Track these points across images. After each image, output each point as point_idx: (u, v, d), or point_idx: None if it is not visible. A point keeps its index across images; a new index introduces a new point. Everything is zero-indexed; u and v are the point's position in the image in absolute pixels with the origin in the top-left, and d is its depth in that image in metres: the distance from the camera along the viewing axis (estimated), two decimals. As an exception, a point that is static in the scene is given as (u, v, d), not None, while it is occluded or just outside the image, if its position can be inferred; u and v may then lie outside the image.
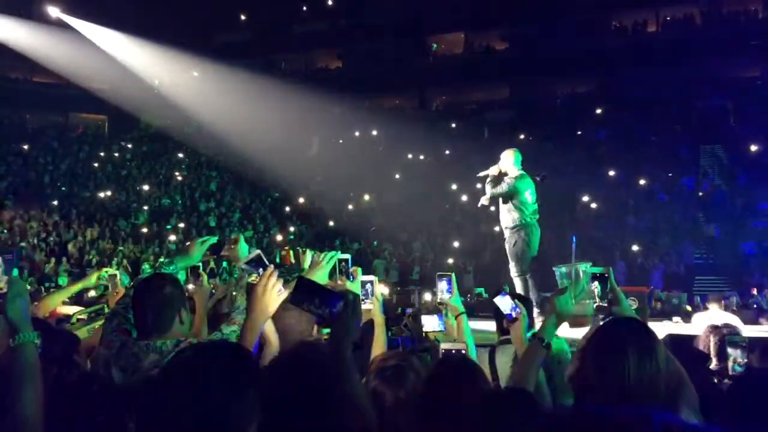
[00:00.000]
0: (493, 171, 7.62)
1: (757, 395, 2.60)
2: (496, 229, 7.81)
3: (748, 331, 5.47)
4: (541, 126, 25.77)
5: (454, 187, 21.98)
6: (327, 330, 2.78)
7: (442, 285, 3.72)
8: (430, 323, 4.17)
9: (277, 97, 26.95)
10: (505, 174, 7.56)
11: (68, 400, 2.47)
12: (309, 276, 3.05)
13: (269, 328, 2.59)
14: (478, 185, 7.83)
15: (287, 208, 24.49)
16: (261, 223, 23.79)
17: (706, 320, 5.71)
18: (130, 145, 31.51)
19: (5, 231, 22.70)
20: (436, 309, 4.14)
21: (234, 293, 2.84)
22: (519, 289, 7.25)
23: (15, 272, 2.29)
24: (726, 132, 23.72)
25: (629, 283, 14.13)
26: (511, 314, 3.29)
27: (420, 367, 2.60)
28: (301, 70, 33.60)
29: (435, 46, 33.21)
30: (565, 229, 16.15)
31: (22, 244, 21.67)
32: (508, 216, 7.55)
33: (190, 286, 3.81)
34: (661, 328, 6.52)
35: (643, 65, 26.17)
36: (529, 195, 7.50)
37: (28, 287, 15.73)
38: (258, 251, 2.65)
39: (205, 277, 3.81)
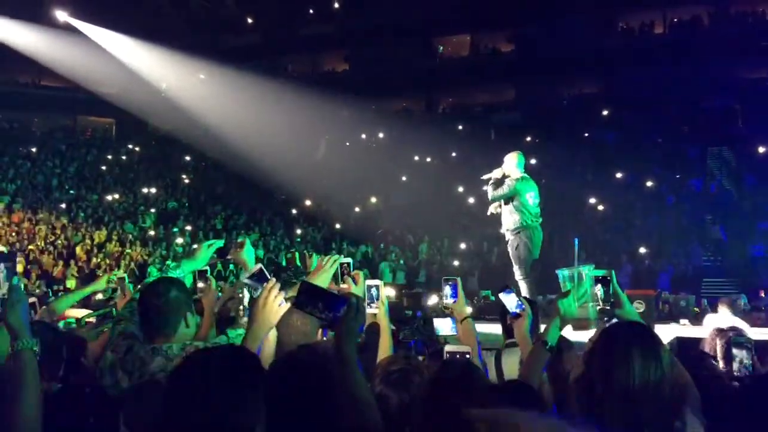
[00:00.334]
0: (496, 174, 7.69)
1: (764, 398, 2.61)
2: (503, 231, 7.88)
3: (762, 334, 5.46)
4: (548, 128, 25.72)
5: (460, 189, 21.97)
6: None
7: (447, 289, 3.72)
8: (443, 327, 4.17)
9: (283, 100, 27.00)
10: (508, 177, 7.63)
11: (64, 404, 2.49)
12: (312, 279, 3.06)
13: (267, 339, 2.60)
14: (485, 187, 7.91)
15: (294, 211, 24.53)
16: (267, 226, 23.82)
17: (717, 323, 5.69)
18: (137, 148, 31.63)
19: (14, 234, 22.81)
20: (443, 312, 4.15)
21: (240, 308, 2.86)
22: (525, 292, 7.26)
23: (15, 279, 2.31)
24: (734, 133, 23.64)
25: (636, 286, 14.09)
26: (515, 311, 3.31)
27: (425, 370, 2.61)
28: (307, 72, 33.63)
29: (441, 48, 33.19)
30: (572, 232, 16.10)
31: (31, 246, 21.77)
32: (509, 218, 7.61)
33: (200, 285, 3.83)
34: (668, 331, 6.51)
35: (650, 66, 26.08)
36: (530, 197, 7.55)
37: (37, 290, 15.85)
38: (260, 265, 2.66)
39: (213, 280, 3.83)
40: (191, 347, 2.69)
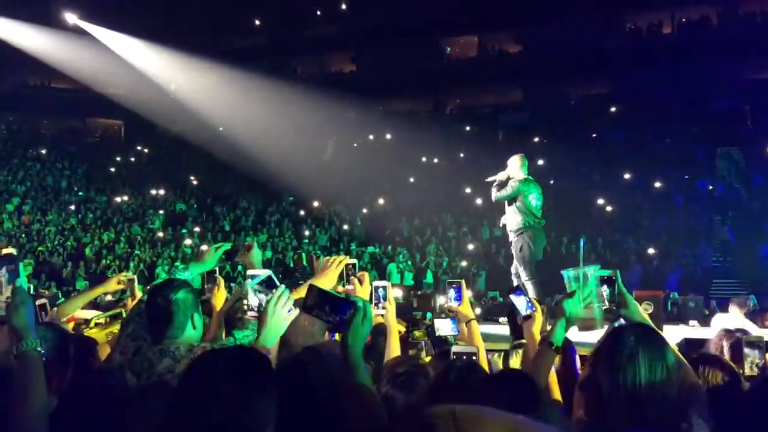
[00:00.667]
0: (501, 176, 7.84)
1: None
2: (507, 231, 8.00)
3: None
4: (555, 128, 25.67)
5: (468, 190, 21.96)
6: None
7: (452, 292, 3.73)
8: (444, 327, 4.19)
9: (291, 101, 27.05)
10: (512, 179, 7.80)
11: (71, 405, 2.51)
12: (318, 280, 3.08)
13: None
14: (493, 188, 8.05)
15: (301, 212, 24.56)
16: (275, 227, 23.87)
17: (725, 324, 5.67)
18: (146, 150, 31.76)
19: (24, 235, 22.95)
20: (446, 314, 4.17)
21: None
22: (531, 293, 7.28)
23: (18, 282, 2.33)
24: (742, 134, 23.56)
25: (645, 287, 14.03)
26: (525, 312, 3.31)
27: (431, 371, 2.62)
28: (315, 74, 33.67)
29: (448, 49, 33.18)
30: (580, 233, 16.07)
31: (40, 248, 21.90)
32: (512, 219, 7.75)
33: (209, 286, 3.85)
34: (677, 332, 6.49)
35: (657, 66, 25.99)
36: (533, 199, 7.68)
37: (46, 291, 15.92)
38: (269, 272, 2.67)
39: (222, 282, 3.85)
40: (199, 348, 2.70)
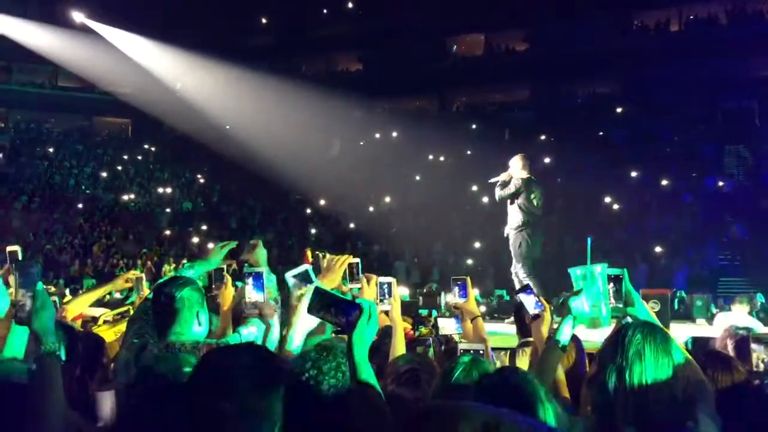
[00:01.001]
0: (503, 177, 7.99)
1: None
2: (506, 229, 8.15)
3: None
4: (562, 127, 25.60)
5: (474, 188, 21.92)
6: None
7: (457, 289, 3.74)
8: (447, 326, 4.19)
9: (297, 100, 27.06)
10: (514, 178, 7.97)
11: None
12: (322, 279, 3.09)
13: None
14: (495, 190, 8.18)
15: (308, 210, 24.58)
16: (282, 226, 23.90)
17: (729, 322, 5.65)
18: (153, 149, 31.84)
19: (32, 234, 23.04)
20: (451, 312, 4.18)
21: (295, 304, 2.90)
22: (529, 290, 7.31)
23: (39, 285, 2.37)
24: (750, 132, 23.43)
25: (652, 285, 14.00)
26: (534, 311, 3.31)
27: (432, 367, 2.63)
28: (321, 72, 33.69)
29: (454, 47, 33.14)
30: (586, 231, 16.02)
31: (48, 246, 21.99)
32: (514, 217, 7.92)
33: (216, 284, 3.87)
34: (684, 331, 6.48)
35: (665, 65, 25.87)
36: (534, 198, 7.85)
37: (52, 288, 15.99)
38: (307, 266, 2.69)
39: (230, 280, 3.87)
40: (204, 345, 2.75)
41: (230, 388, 1.56)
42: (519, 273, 7.88)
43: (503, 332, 6.18)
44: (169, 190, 26.96)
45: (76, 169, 29.10)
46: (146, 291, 4.44)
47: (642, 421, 2.00)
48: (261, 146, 24.39)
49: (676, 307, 9.75)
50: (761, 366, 3.47)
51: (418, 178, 24.79)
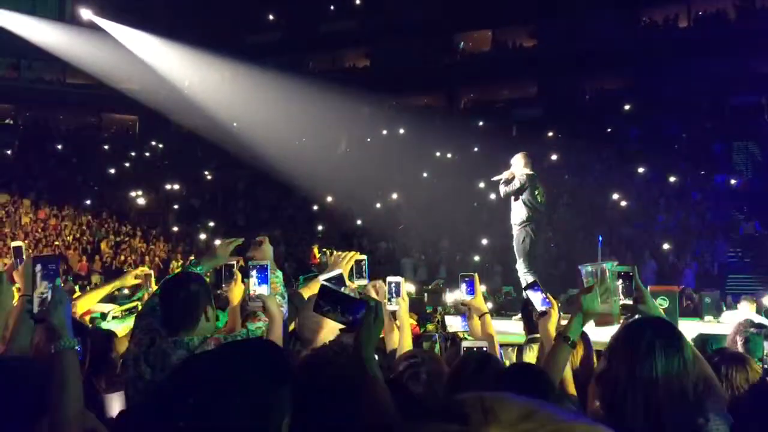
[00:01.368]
0: (505, 175, 8.07)
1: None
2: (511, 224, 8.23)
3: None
4: (570, 123, 25.52)
5: (481, 185, 21.88)
6: None
7: (464, 286, 3.73)
8: (454, 324, 4.20)
9: (304, 97, 27.07)
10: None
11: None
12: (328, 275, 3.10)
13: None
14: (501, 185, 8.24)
15: (315, 207, 24.60)
16: (289, 223, 23.94)
17: (736, 320, 5.63)
18: (161, 145, 31.91)
19: (40, 230, 23.16)
20: (461, 308, 4.18)
21: None
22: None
23: (58, 281, 2.40)
24: (759, 128, 23.31)
25: (661, 283, 13.97)
26: (541, 308, 3.31)
27: (437, 363, 2.65)
28: (328, 69, 33.68)
29: (462, 44, 33.07)
30: (595, 228, 16.01)
31: (56, 242, 22.09)
32: (518, 213, 8.00)
33: (226, 281, 3.88)
34: (692, 328, 6.46)
35: (674, 61, 25.76)
36: (538, 195, 7.97)
37: (61, 283, 16.11)
38: (340, 271, 2.70)
39: (240, 276, 3.88)
40: (212, 340, 2.76)
41: (239, 381, 1.57)
42: (519, 268, 8.00)
43: (511, 329, 6.18)
44: (176, 186, 27.02)
45: (84, 166, 29.20)
46: (155, 287, 4.46)
47: (652, 418, 1.99)
48: (268, 143, 24.42)
49: (683, 304, 9.72)
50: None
51: (425, 174, 24.77)
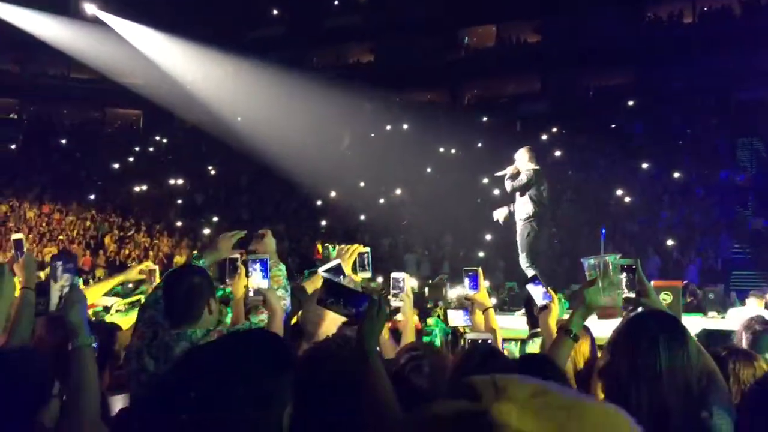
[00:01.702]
0: (510, 170, 8.07)
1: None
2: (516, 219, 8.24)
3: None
4: (575, 119, 25.48)
5: (485, 180, 21.86)
6: None
7: (468, 280, 3.74)
8: (456, 318, 4.20)
9: (308, 92, 27.05)
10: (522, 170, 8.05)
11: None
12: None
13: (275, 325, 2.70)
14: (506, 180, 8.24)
15: (318, 202, 24.60)
16: (292, 218, 23.94)
17: (742, 317, 5.61)
18: (164, 140, 31.93)
19: (44, 224, 23.21)
20: (463, 303, 4.18)
21: None
22: (532, 280, 7.39)
23: (77, 279, 2.44)
24: (764, 124, 23.23)
25: (664, 278, 13.94)
26: (542, 302, 3.31)
27: (439, 356, 2.65)
28: (332, 64, 33.65)
29: (466, 39, 33.00)
30: (598, 223, 15.97)
31: (60, 237, 22.14)
32: (522, 208, 7.99)
33: (230, 274, 3.89)
34: (695, 323, 6.45)
35: (679, 57, 25.68)
36: (544, 190, 8.00)
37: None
38: (338, 261, 2.71)
39: (243, 270, 3.88)
40: (215, 332, 2.77)
41: (241, 371, 1.57)
42: (522, 263, 8.03)
43: (514, 324, 6.18)
44: (180, 181, 27.05)
45: (88, 161, 29.24)
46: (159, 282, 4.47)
47: (655, 411, 1.99)
48: (271, 138, 24.42)
49: (686, 299, 9.71)
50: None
51: (429, 170, 24.75)
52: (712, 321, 7.72)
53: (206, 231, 21.84)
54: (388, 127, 28.52)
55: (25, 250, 3.69)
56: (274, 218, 23.65)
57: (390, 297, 3.36)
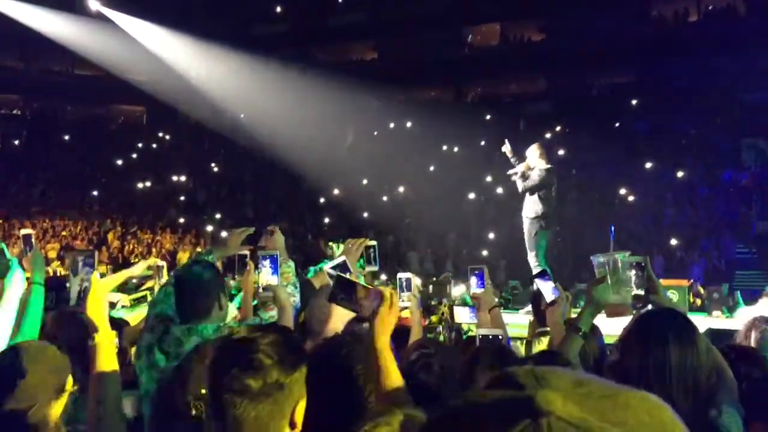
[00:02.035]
0: (520, 168, 8.04)
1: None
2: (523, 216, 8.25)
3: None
4: (578, 117, 25.42)
5: (489, 179, 21.85)
6: None
7: (474, 279, 3.74)
8: (462, 315, 4.21)
9: (312, 89, 27.04)
10: (533, 168, 8.02)
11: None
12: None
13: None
14: (513, 178, 8.21)
15: (322, 200, 24.61)
16: (297, 215, 23.95)
17: (751, 315, 5.60)
18: (168, 136, 31.95)
19: (47, 220, 23.24)
20: (465, 301, 4.19)
21: None
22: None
23: (96, 275, 2.44)
24: (768, 124, 23.20)
25: (668, 278, 13.93)
26: (551, 297, 3.30)
27: (448, 352, 2.66)
28: (336, 62, 33.62)
29: (470, 37, 32.96)
30: (603, 223, 15.96)
31: (64, 233, 22.17)
32: (531, 207, 8.00)
33: (239, 271, 3.89)
34: (701, 323, 6.44)
35: (683, 56, 25.64)
36: (554, 190, 8.06)
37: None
38: (343, 257, 2.71)
39: (252, 266, 3.89)
40: (226, 327, 2.78)
41: (254, 365, 1.58)
42: (531, 261, 8.06)
43: (517, 323, 6.19)
44: (183, 178, 27.06)
45: (91, 157, 29.26)
46: (166, 278, 4.48)
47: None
48: (275, 135, 24.42)
49: (691, 299, 9.70)
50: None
51: (432, 168, 24.72)
52: (717, 320, 7.72)
53: (209, 228, 21.85)
54: (392, 125, 28.50)
55: (33, 245, 3.69)
56: (277, 215, 23.67)
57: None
